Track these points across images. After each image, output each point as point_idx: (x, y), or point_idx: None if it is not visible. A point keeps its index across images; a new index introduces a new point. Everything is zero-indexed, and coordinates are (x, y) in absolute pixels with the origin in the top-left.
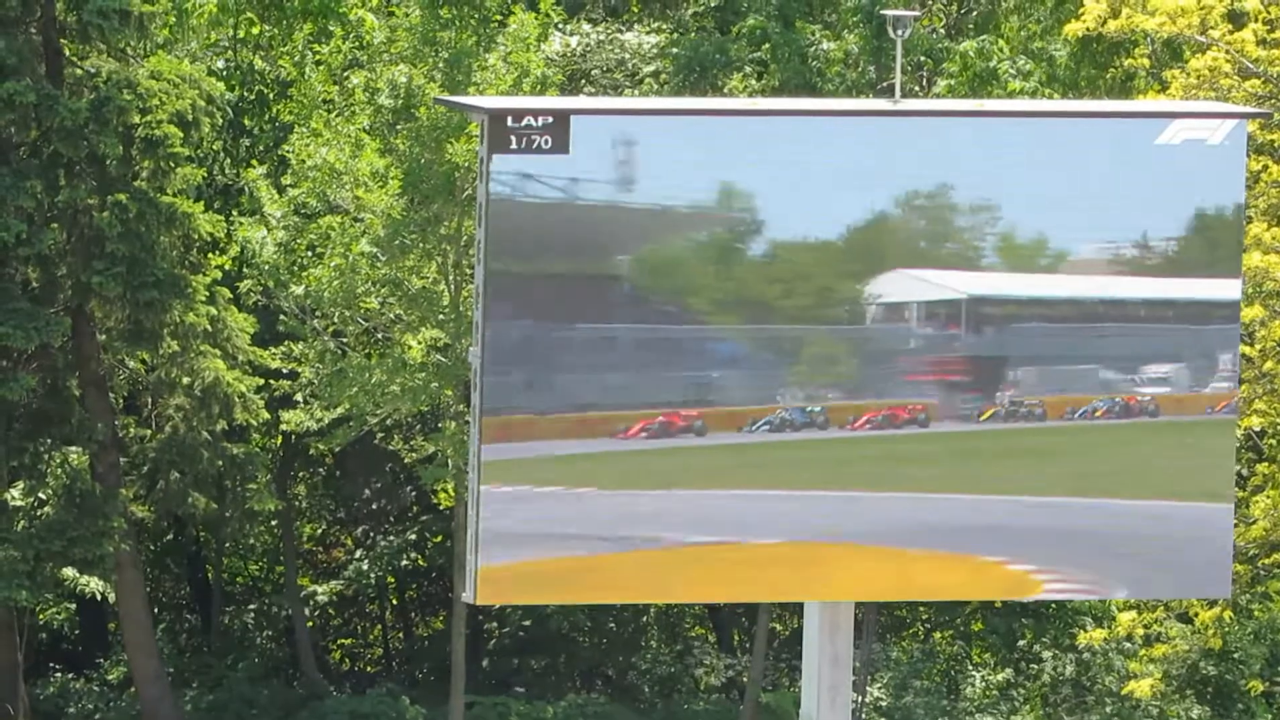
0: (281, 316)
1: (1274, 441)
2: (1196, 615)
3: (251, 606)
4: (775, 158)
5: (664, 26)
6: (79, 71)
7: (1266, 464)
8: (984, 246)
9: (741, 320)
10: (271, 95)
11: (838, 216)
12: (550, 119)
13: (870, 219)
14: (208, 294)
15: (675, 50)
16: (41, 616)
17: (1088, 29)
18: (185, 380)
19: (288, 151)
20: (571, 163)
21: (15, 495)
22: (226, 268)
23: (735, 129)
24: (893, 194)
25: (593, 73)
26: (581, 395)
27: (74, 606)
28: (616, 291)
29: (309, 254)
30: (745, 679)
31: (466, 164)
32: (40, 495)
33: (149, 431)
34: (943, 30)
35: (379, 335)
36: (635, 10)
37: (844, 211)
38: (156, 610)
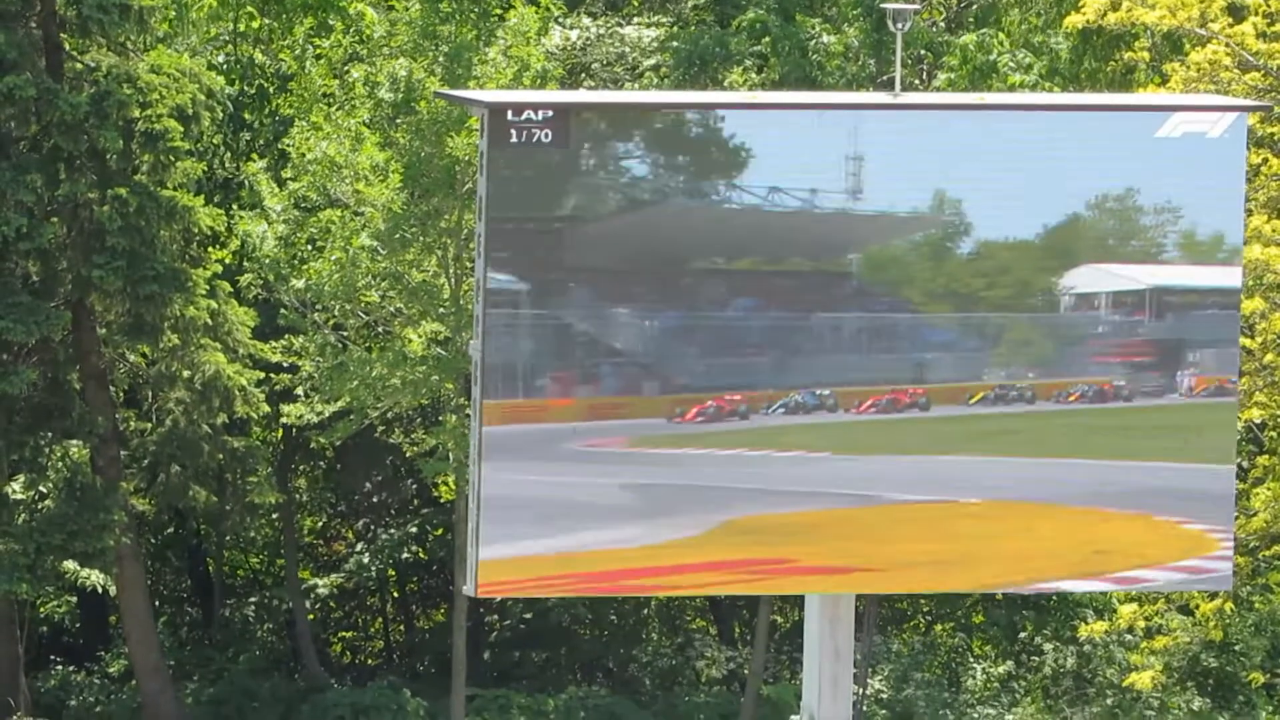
0: (282, 310)
1: (1274, 434)
2: (1197, 607)
3: (252, 599)
4: (980, 167)
5: (664, 20)
6: (79, 66)
7: (1267, 456)
8: (1166, 244)
9: (951, 309)
10: (271, 89)
11: (1035, 217)
12: (550, 113)
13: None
14: (208, 287)
15: (675, 44)
16: (42, 609)
17: (1088, 21)
18: (186, 374)
19: (288, 145)
20: (816, 175)
21: (16, 489)
22: (227, 261)
23: (949, 141)
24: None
25: (593, 66)
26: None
27: (75, 599)
28: (846, 286)
29: (309, 248)
30: (746, 671)
31: (467, 158)
32: (41, 489)
33: (149, 425)
34: (943, 24)
35: (379, 329)
36: (635, 4)
37: (1040, 212)
38: (157, 603)
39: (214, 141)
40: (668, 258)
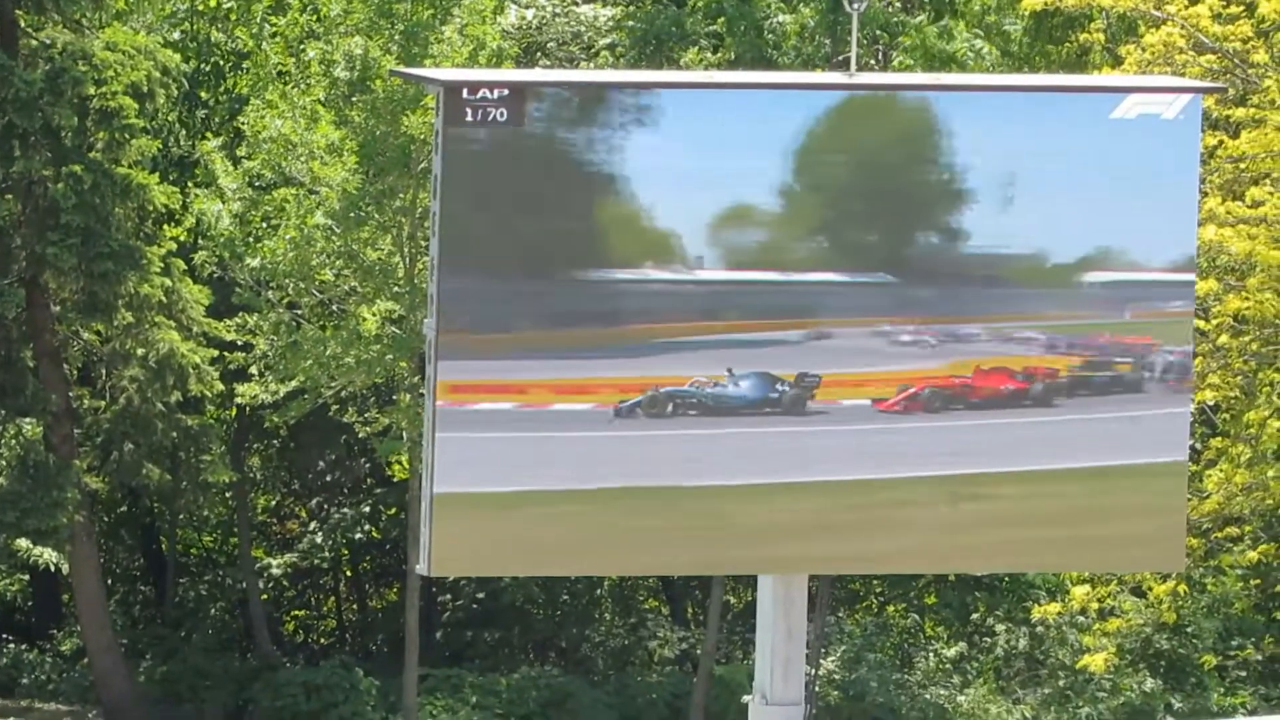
0: (236, 288)
1: (1227, 416)
2: (1150, 589)
3: (205, 578)
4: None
5: (619, 0)
6: (34, 42)
7: (1220, 438)
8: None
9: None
10: (227, 67)
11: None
12: (506, 91)
13: None
14: (162, 265)
15: (631, 23)
16: None
17: (1046, 3)
18: (140, 352)
19: (243, 123)
20: None
21: None
22: (181, 239)
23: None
24: None
25: (548, 45)
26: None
27: (27, 578)
28: None
29: (264, 226)
30: (699, 651)
31: (422, 136)
32: None
33: (103, 403)
34: (899, 5)
35: (334, 307)
36: None
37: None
38: (110, 582)
39: (169, 119)
40: None
